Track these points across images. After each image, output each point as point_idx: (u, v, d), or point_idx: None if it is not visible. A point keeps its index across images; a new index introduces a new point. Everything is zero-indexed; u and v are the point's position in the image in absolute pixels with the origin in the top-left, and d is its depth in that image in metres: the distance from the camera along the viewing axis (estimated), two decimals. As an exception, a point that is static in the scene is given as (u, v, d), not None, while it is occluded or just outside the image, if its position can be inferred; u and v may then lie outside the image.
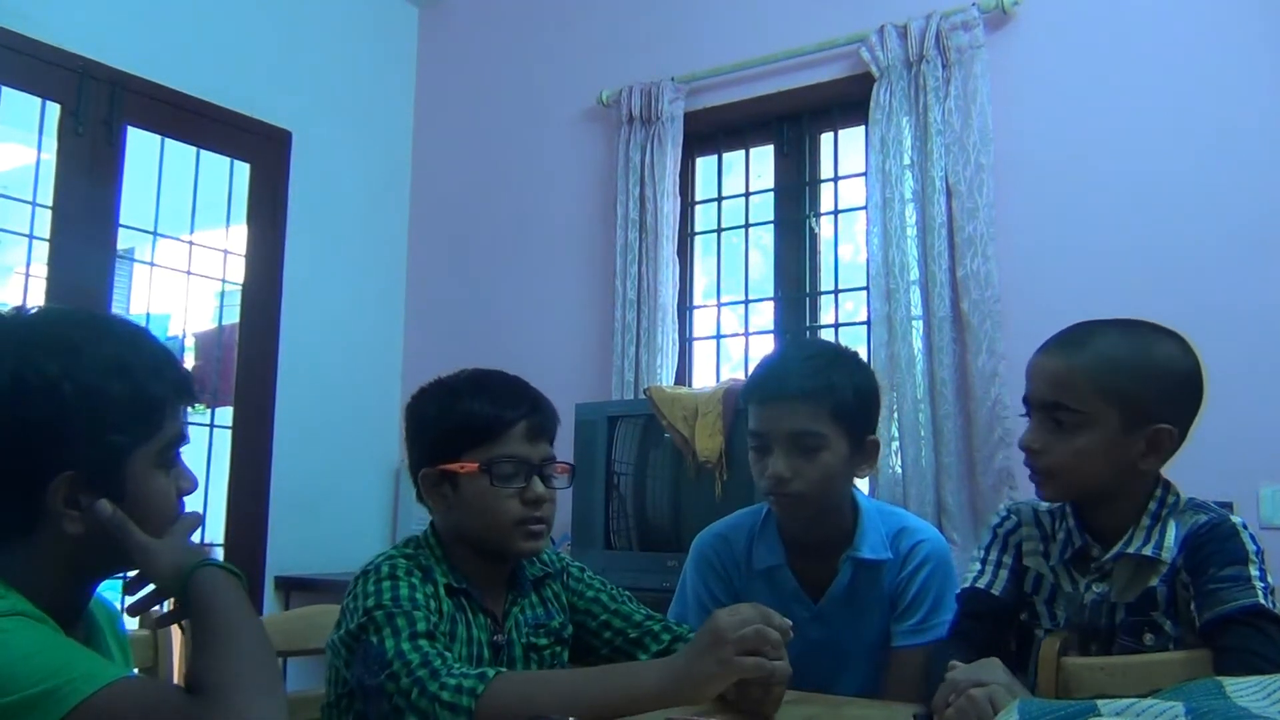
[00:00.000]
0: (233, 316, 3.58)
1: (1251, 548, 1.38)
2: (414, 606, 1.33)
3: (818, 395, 1.61)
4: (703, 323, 3.53)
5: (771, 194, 3.40)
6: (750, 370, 3.10)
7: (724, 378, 3.29)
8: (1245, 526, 1.42)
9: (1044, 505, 1.57)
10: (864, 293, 3.07)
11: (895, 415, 2.83)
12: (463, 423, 1.45)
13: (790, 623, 1.29)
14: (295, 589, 3.42)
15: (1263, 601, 1.32)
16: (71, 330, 1.02)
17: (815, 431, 1.61)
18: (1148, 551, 1.44)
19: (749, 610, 1.27)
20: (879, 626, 1.71)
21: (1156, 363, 1.42)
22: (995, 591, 1.54)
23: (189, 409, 1.10)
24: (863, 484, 1.89)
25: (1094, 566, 1.49)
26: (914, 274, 2.89)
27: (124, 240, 3.26)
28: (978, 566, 1.58)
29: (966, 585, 1.58)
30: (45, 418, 0.96)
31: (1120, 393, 1.40)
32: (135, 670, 1.25)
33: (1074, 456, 1.43)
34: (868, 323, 3.00)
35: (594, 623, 1.56)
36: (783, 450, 1.62)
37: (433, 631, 1.32)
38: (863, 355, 2.04)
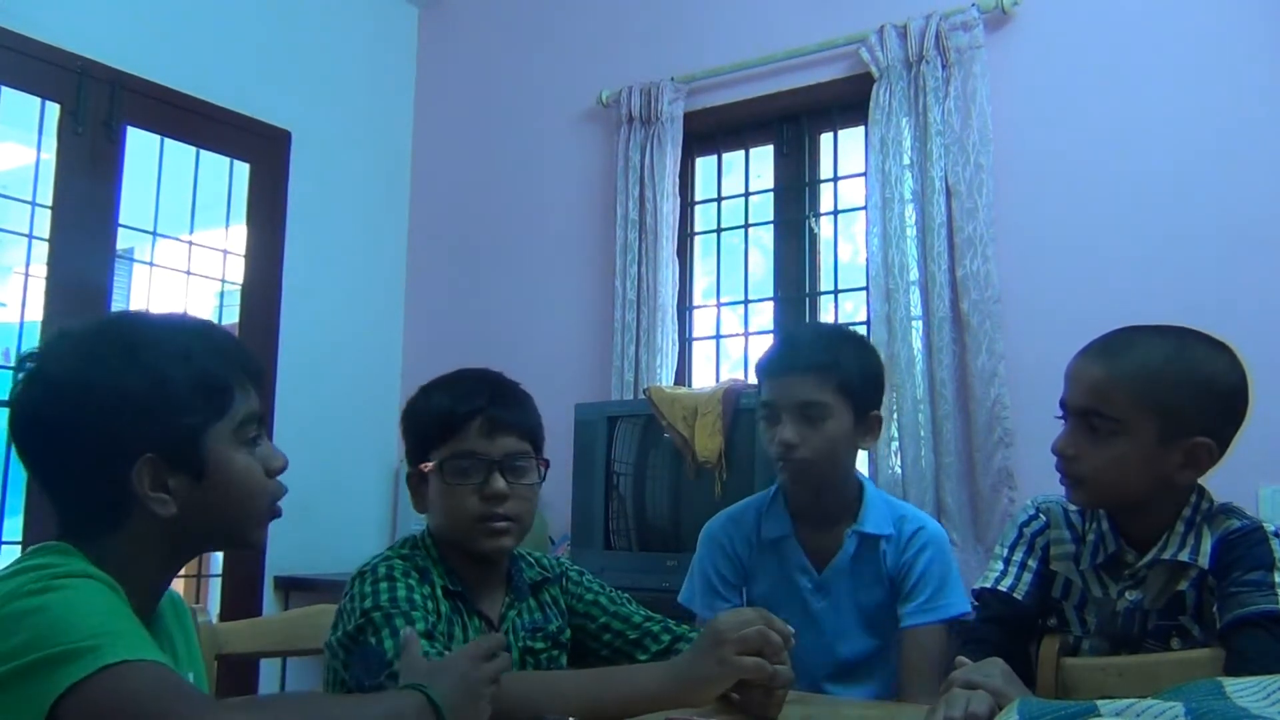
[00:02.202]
0: (232, 316, 3.57)
1: None
2: (412, 607, 1.33)
3: (825, 369, 1.74)
4: (702, 323, 3.52)
5: (771, 194, 3.39)
6: (752, 367, 3.11)
7: (724, 378, 3.28)
8: (1278, 534, 1.40)
9: (1073, 505, 1.53)
10: (863, 293, 3.06)
11: (895, 416, 2.83)
12: (427, 421, 1.46)
13: (793, 630, 1.29)
14: (294, 589, 3.42)
15: None
16: (131, 326, 1.10)
17: (822, 402, 1.73)
18: (1184, 557, 1.41)
19: (750, 612, 1.28)
20: (876, 599, 1.81)
21: (1199, 375, 1.39)
22: (1018, 596, 1.52)
23: (257, 390, 1.14)
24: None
25: (1128, 573, 1.46)
26: (914, 274, 2.89)
27: (124, 240, 3.25)
28: (1000, 566, 1.56)
29: (987, 585, 1.55)
30: (116, 407, 1.02)
31: (1159, 403, 1.37)
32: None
33: (1107, 464, 1.40)
34: (867, 323, 2.99)
35: (594, 625, 1.56)
36: (791, 419, 1.74)
37: (431, 632, 1.31)
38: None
